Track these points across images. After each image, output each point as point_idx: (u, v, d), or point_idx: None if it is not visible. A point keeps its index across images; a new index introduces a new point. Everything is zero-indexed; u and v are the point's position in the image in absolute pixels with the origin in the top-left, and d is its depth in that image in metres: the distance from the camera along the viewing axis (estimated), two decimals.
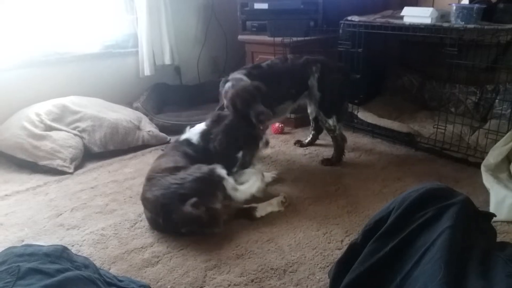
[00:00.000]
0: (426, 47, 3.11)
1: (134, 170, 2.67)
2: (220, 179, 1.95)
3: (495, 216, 1.35)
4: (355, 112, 3.10)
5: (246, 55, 3.50)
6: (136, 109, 3.33)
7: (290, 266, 1.69)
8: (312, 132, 2.94)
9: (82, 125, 2.85)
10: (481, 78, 3.02)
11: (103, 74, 3.48)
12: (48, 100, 2.94)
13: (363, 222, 1.92)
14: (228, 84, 2.37)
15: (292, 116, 3.18)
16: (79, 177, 2.58)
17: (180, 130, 3.16)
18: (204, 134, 2.20)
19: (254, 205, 2.05)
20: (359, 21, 2.87)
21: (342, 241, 1.85)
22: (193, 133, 2.24)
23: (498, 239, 1.37)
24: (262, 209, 2.04)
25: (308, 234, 1.91)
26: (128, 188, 2.42)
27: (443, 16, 2.62)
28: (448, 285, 0.99)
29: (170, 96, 3.78)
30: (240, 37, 3.50)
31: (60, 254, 1.21)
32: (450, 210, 1.14)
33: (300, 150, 2.89)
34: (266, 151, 2.30)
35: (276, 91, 2.44)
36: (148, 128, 3.10)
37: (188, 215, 1.80)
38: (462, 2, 2.70)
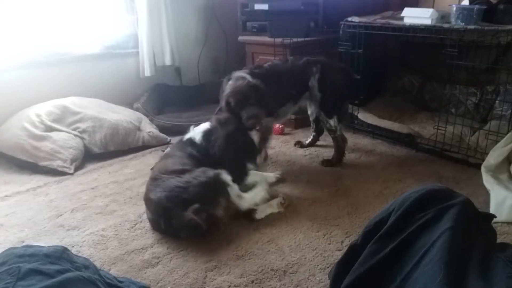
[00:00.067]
0: (426, 48, 3.11)
1: (134, 171, 2.67)
2: (225, 185, 1.95)
3: (495, 217, 1.35)
4: (356, 113, 3.10)
5: (247, 56, 3.51)
6: (137, 109, 3.34)
7: (290, 267, 1.69)
8: (313, 133, 2.94)
9: (83, 125, 2.85)
10: (481, 79, 3.02)
11: (104, 74, 3.48)
12: (49, 100, 2.94)
13: (363, 223, 1.92)
14: (229, 82, 2.38)
15: (293, 117, 3.18)
16: (79, 178, 2.58)
17: (180, 130, 3.18)
18: (207, 134, 2.20)
19: (254, 207, 2.05)
20: (360, 22, 2.87)
21: (342, 242, 1.85)
22: (197, 132, 2.24)
23: (498, 240, 1.37)
24: (262, 211, 2.04)
25: (308, 235, 1.91)
26: (128, 188, 2.42)
27: (444, 17, 2.62)
28: (448, 286, 0.99)
29: (170, 96, 3.78)
30: (240, 37, 3.50)
31: (60, 255, 1.21)
32: (450, 211, 1.14)
33: (301, 151, 2.89)
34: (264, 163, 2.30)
35: (277, 92, 2.44)
36: (149, 129, 3.10)
37: (188, 223, 1.79)
38: (463, 3, 2.70)
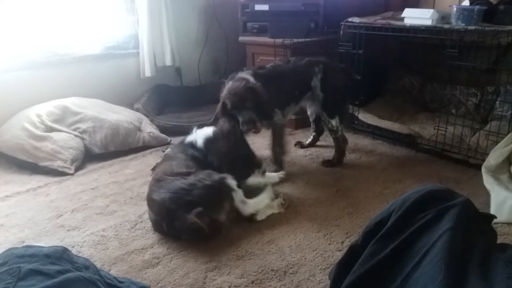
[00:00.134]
0: (426, 48, 3.11)
1: (135, 171, 2.67)
2: (230, 190, 1.94)
3: (496, 217, 1.35)
4: (356, 114, 3.10)
5: (247, 57, 3.51)
6: (137, 110, 3.34)
7: (291, 268, 1.69)
8: (313, 134, 2.94)
9: (83, 126, 2.85)
10: (481, 79, 3.02)
11: (104, 75, 3.48)
12: (49, 101, 2.94)
13: (363, 223, 1.92)
14: (231, 82, 2.38)
15: (293, 117, 3.18)
16: (80, 178, 2.58)
17: (181, 131, 3.20)
18: (209, 142, 2.19)
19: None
20: (360, 23, 2.88)
21: (342, 242, 1.85)
22: (199, 136, 2.23)
23: (499, 241, 1.37)
24: (263, 213, 2.04)
25: (309, 235, 1.91)
26: (129, 189, 2.42)
27: (444, 17, 2.62)
28: (449, 287, 0.99)
29: (170, 97, 3.79)
30: (240, 38, 3.51)
31: (61, 255, 1.21)
32: (450, 212, 1.14)
33: (301, 151, 2.89)
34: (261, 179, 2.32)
35: (280, 93, 2.45)
36: (149, 129, 3.10)
37: (191, 226, 1.79)
38: (463, 4, 2.71)
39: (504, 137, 2.31)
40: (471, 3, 2.65)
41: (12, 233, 2.00)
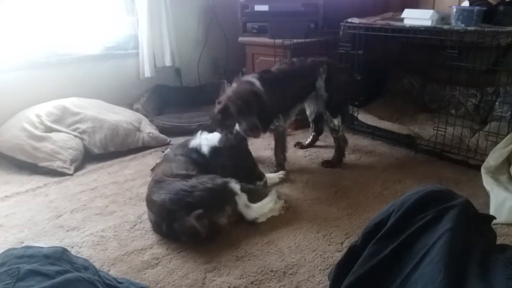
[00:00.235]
0: (426, 49, 3.11)
1: (134, 171, 2.66)
2: (233, 193, 1.93)
3: (495, 218, 1.35)
4: (356, 114, 3.10)
5: (247, 57, 3.51)
6: (137, 110, 3.34)
7: (290, 268, 1.69)
8: (313, 134, 2.95)
9: (82, 126, 2.85)
10: (481, 80, 3.02)
11: (104, 75, 3.48)
12: (49, 101, 2.94)
13: (363, 224, 1.92)
14: (234, 85, 2.36)
15: (293, 118, 3.18)
16: (79, 179, 2.58)
17: (180, 131, 3.20)
18: (214, 151, 2.17)
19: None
20: (360, 23, 2.88)
21: (342, 243, 1.85)
22: (204, 142, 2.19)
23: (498, 242, 1.37)
24: (264, 215, 2.04)
25: (308, 236, 1.90)
26: (128, 189, 2.42)
27: (444, 18, 2.62)
28: (448, 287, 0.99)
29: (170, 97, 3.79)
30: (240, 39, 3.51)
31: (60, 255, 1.21)
32: (450, 213, 1.14)
33: (300, 152, 2.88)
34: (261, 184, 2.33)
35: (286, 95, 2.47)
36: (148, 129, 3.10)
37: (189, 229, 1.79)
38: (463, 5, 2.71)
39: (503, 138, 2.31)
40: (470, 4, 2.65)
41: (11, 233, 2.00)
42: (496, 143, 2.35)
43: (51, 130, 2.76)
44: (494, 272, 1.04)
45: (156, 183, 1.98)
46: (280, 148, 2.54)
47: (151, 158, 2.85)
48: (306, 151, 2.90)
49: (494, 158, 2.23)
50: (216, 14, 3.98)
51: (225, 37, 4.05)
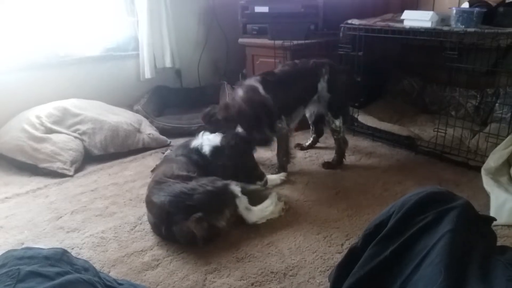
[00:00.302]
0: (426, 50, 3.11)
1: (134, 173, 2.66)
2: (233, 196, 1.93)
3: (495, 220, 1.35)
4: (356, 115, 3.10)
5: (247, 58, 3.51)
6: (137, 112, 3.34)
7: (290, 270, 1.69)
8: (313, 135, 2.95)
9: (83, 127, 2.85)
10: (481, 81, 3.02)
11: (104, 76, 3.48)
12: (49, 102, 2.94)
13: (363, 225, 1.92)
14: (240, 91, 2.33)
15: (296, 121, 3.18)
16: (79, 180, 2.58)
17: (180, 132, 3.20)
18: (216, 151, 2.16)
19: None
20: (360, 25, 2.88)
21: (342, 244, 1.85)
22: (205, 143, 2.19)
23: (498, 243, 1.36)
24: (264, 218, 2.03)
25: (308, 237, 1.90)
26: (128, 191, 2.42)
27: (443, 19, 2.62)
28: None
29: (170, 99, 3.79)
30: (240, 40, 3.51)
31: (60, 257, 1.21)
32: (450, 214, 1.14)
33: (301, 153, 2.89)
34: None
35: (290, 96, 2.47)
36: (149, 131, 3.10)
37: (188, 233, 1.78)
38: (462, 6, 2.71)
39: (503, 139, 2.31)
40: (470, 5, 2.65)
41: (12, 234, 2.00)
42: (496, 144, 2.35)
43: (51, 131, 2.77)
44: (495, 273, 1.04)
45: (157, 184, 1.97)
46: (283, 150, 2.53)
47: (151, 159, 2.86)
48: (307, 152, 2.91)
49: (494, 159, 2.23)
50: (216, 15, 3.99)
51: (225, 39, 4.05)
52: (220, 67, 4.19)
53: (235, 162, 2.16)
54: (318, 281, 1.62)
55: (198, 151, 2.17)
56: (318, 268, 1.69)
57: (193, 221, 1.77)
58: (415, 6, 3.35)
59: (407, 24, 2.68)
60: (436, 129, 2.64)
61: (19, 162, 2.66)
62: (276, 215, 2.07)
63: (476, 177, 2.32)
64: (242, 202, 1.95)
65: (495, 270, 1.05)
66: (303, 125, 3.23)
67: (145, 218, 2.07)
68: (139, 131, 3.05)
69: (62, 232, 2.01)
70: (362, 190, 2.34)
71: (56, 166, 2.61)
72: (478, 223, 1.22)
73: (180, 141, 2.79)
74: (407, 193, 1.28)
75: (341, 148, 2.64)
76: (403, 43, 3.19)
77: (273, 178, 2.42)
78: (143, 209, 2.12)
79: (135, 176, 2.61)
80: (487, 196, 2.11)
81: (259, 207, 2.04)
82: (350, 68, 2.86)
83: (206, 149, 2.17)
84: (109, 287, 1.31)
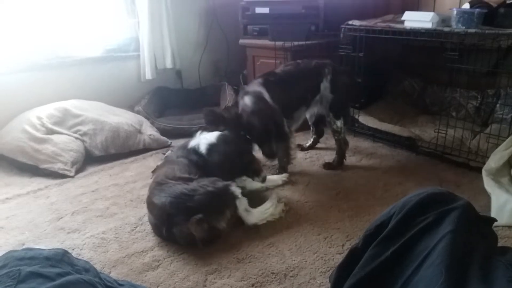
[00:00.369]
0: (427, 51, 3.11)
1: (135, 173, 2.67)
2: (234, 197, 1.93)
3: (496, 220, 1.34)
4: (356, 116, 3.10)
5: (247, 59, 3.51)
6: (138, 112, 3.34)
7: (291, 271, 1.68)
8: (313, 136, 2.95)
9: (84, 128, 2.85)
10: (482, 82, 3.02)
11: (105, 77, 3.49)
12: (50, 103, 2.95)
13: (364, 226, 1.91)
14: (248, 100, 2.34)
15: (299, 122, 3.18)
16: (80, 181, 2.58)
17: (181, 133, 3.20)
18: (212, 148, 2.17)
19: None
20: (360, 26, 2.88)
21: (343, 245, 1.85)
22: (202, 142, 2.20)
23: (499, 244, 1.36)
24: (263, 220, 2.03)
25: (309, 238, 1.90)
26: (129, 191, 2.42)
27: (444, 20, 2.62)
28: None
29: (171, 99, 3.79)
30: (241, 41, 3.51)
31: (61, 257, 1.21)
32: (451, 215, 1.14)
33: (301, 154, 2.88)
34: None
35: (293, 96, 2.48)
36: (149, 131, 3.10)
37: (188, 234, 1.78)
38: (463, 7, 2.71)
39: (504, 140, 2.31)
40: (471, 6, 2.65)
41: (12, 235, 2.00)
42: (497, 145, 2.35)
43: (52, 132, 2.77)
44: (495, 274, 1.04)
45: (158, 185, 1.97)
46: (284, 151, 2.54)
47: (152, 160, 2.86)
48: (307, 153, 2.91)
49: (495, 160, 2.23)
50: (217, 16, 3.99)
51: (226, 39, 4.06)
52: (221, 68, 4.20)
53: (230, 157, 2.16)
54: (318, 282, 1.62)
55: (195, 150, 2.18)
56: (318, 269, 1.69)
57: (193, 222, 1.77)
58: (415, 7, 3.35)
59: (408, 25, 2.68)
60: (436, 130, 2.64)
61: (20, 163, 2.67)
62: (276, 216, 2.06)
63: (476, 178, 2.32)
64: (242, 203, 1.95)
65: (496, 271, 1.05)
66: (303, 126, 3.24)
67: (146, 219, 2.07)
68: (140, 132, 3.05)
69: (63, 232, 2.01)
70: (362, 191, 2.34)
71: (57, 167, 2.62)
72: (479, 224, 1.22)
73: (181, 142, 2.78)
74: (408, 194, 1.28)
75: (341, 149, 2.64)
76: (403, 44, 3.19)
77: (274, 178, 2.42)
78: (143, 210, 2.13)
79: (135, 177, 2.61)
80: (487, 197, 2.11)
81: (259, 209, 2.04)
82: (351, 69, 2.86)
83: (203, 148, 2.17)
84: (109, 287, 1.31)
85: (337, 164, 2.65)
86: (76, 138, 2.81)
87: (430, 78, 3.36)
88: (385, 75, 3.55)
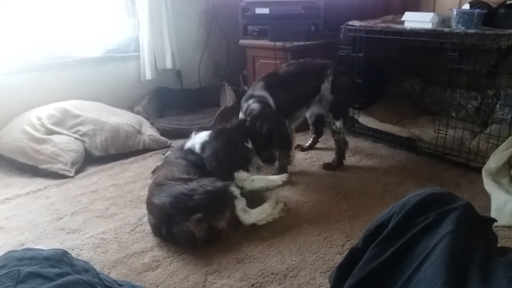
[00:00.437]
0: (427, 52, 3.11)
1: (135, 174, 2.67)
2: (233, 197, 1.93)
3: (496, 221, 1.34)
4: (356, 117, 3.10)
5: (247, 60, 3.51)
6: (137, 113, 3.34)
7: (291, 271, 1.68)
8: (313, 135, 2.95)
9: (83, 129, 2.85)
10: (482, 83, 3.02)
11: (105, 78, 3.49)
12: (50, 104, 2.95)
13: (364, 226, 1.91)
14: (254, 105, 2.34)
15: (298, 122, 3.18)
16: (80, 181, 2.58)
17: (181, 134, 3.20)
18: (205, 146, 2.20)
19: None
20: (360, 26, 2.88)
21: (343, 245, 1.85)
22: (197, 141, 2.24)
23: (499, 244, 1.36)
24: (261, 221, 2.02)
25: (309, 238, 1.90)
26: (129, 192, 2.42)
27: (444, 21, 2.62)
28: None
29: (171, 100, 3.79)
30: (241, 41, 3.51)
31: (60, 258, 1.21)
32: (451, 215, 1.14)
33: (301, 155, 2.88)
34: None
35: (295, 98, 2.49)
36: (149, 132, 3.10)
37: (187, 234, 1.78)
38: (463, 7, 2.71)
39: (504, 140, 2.31)
40: (471, 7, 2.65)
41: (12, 235, 2.00)
42: (497, 145, 2.35)
43: (52, 132, 2.77)
44: (495, 274, 1.03)
45: (157, 186, 1.98)
46: (284, 154, 2.53)
47: (151, 161, 2.86)
48: (307, 153, 2.91)
49: (495, 160, 2.23)
50: (217, 16, 4.00)
51: (226, 40, 4.06)
52: (221, 68, 4.20)
53: (222, 150, 2.17)
54: (318, 282, 1.62)
55: (192, 151, 2.21)
56: (318, 269, 1.69)
57: (193, 222, 1.77)
58: (415, 8, 3.35)
59: (408, 25, 2.68)
60: (436, 130, 2.64)
61: (19, 163, 2.67)
62: (276, 216, 2.06)
63: (476, 178, 2.32)
64: (240, 203, 1.95)
65: (496, 271, 1.05)
66: (303, 127, 3.24)
67: (146, 219, 2.07)
68: (139, 132, 3.05)
69: (63, 233, 2.01)
70: (362, 191, 2.34)
71: (57, 167, 2.61)
72: (479, 224, 1.21)
73: (180, 142, 2.78)
74: (407, 194, 1.28)
75: (341, 149, 2.64)
76: (403, 44, 3.19)
77: (274, 179, 2.42)
78: (143, 210, 2.12)
79: (135, 177, 2.61)
80: (487, 197, 2.11)
81: (257, 210, 2.03)
82: (351, 70, 2.86)
83: (197, 147, 2.20)
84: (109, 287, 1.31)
85: (337, 165, 2.65)
86: (76, 138, 2.81)
87: (430, 78, 3.36)
88: (385, 75, 3.55)
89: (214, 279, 1.65)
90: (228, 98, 3.51)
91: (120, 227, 2.04)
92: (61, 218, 2.15)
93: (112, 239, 1.95)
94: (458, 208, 1.15)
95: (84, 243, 1.92)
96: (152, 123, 3.28)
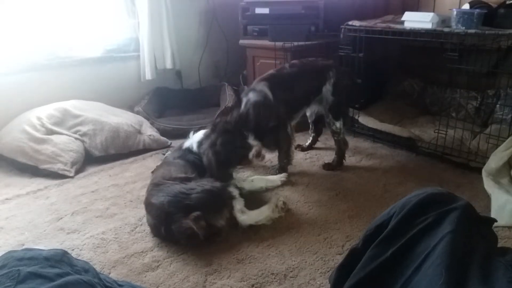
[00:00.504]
0: (427, 52, 3.11)
1: (135, 174, 2.66)
2: (231, 197, 1.94)
3: (496, 221, 1.34)
4: (356, 117, 3.10)
5: (247, 60, 3.51)
6: (137, 113, 3.34)
7: (291, 271, 1.68)
8: (312, 135, 2.95)
9: (83, 129, 2.85)
10: (482, 83, 3.02)
11: (105, 78, 3.49)
12: (50, 104, 2.95)
13: (364, 227, 1.92)
14: (253, 96, 2.36)
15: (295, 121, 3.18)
16: (80, 181, 2.58)
17: (181, 134, 3.20)
18: (201, 144, 2.21)
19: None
20: (360, 26, 2.88)
21: (343, 246, 1.85)
22: (194, 140, 2.25)
23: (499, 245, 1.36)
24: (259, 222, 2.02)
25: (309, 238, 1.90)
26: (129, 192, 2.42)
27: (444, 21, 2.62)
28: None
29: (171, 100, 3.79)
30: (241, 41, 3.51)
31: (60, 258, 1.21)
32: (451, 215, 1.14)
33: (301, 155, 2.88)
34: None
35: (297, 99, 2.49)
36: (149, 132, 3.10)
37: (187, 230, 1.78)
38: (463, 7, 2.71)
39: (504, 141, 2.31)
40: (471, 7, 2.65)
41: (12, 236, 2.00)
42: (497, 145, 2.35)
43: (52, 132, 2.77)
44: (496, 275, 1.03)
45: (155, 186, 1.98)
46: (283, 151, 2.53)
47: (151, 161, 2.85)
48: (307, 153, 2.90)
49: (495, 160, 2.23)
50: (217, 16, 4.00)
51: (226, 40, 4.06)
52: (221, 68, 4.20)
53: (219, 146, 2.16)
54: (318, 282, 1.62)
55: (190, 150, 2.22)
56: (318, 269, 1.69)
57: (192, 219, 1.77)
58: (415, 8, 3.35)
59: (408, 25, 2.68)
60: (436, 130, 2.64)
61: (19, 163, 2.66)
62: (276, 216, 2.05)
63: (476, 179, 2.32)
64: (238, 204, 1.95)
65: (496, 271, 1.05)
66: (303, 126, 3.24)
67: (146, 219, 2.07)
68: (139, 132, 3.05)
69: (63, 233, 2.01)
70: (362, 191, 2.34)
71: (57, 167, 2.61)
72: (479, 225, 1.21)
73: (180, 142, 2.79)
74: (407, 194, 1.28)
75: (341, 149, 2.64)
76: (403, 44, 3.19)
77: (274, 179, 2.42)
78: (143, 211, 2.12)
79: (135, 177, 2.61)
80: (487, 197, 2.11)
81: (256, 211, 2.02)
82: (351, 70, 2.86)
83: (195, 146, 2.22)
84: None
85: (337, 165, 2.65)
86: (76, 138, 2.81)
87: (430, 78, 3.36)
88: (385, 75, 3.55)
89: (214, 279, 1.65)
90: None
91: (120, 227, 2.04)
92: (61, 218, 2.15)
93: (112, 239, 1.95)
94: (458, 208, 1.15)
95: (84, 243, 1.91)
96: (152, 123, 3.28)
